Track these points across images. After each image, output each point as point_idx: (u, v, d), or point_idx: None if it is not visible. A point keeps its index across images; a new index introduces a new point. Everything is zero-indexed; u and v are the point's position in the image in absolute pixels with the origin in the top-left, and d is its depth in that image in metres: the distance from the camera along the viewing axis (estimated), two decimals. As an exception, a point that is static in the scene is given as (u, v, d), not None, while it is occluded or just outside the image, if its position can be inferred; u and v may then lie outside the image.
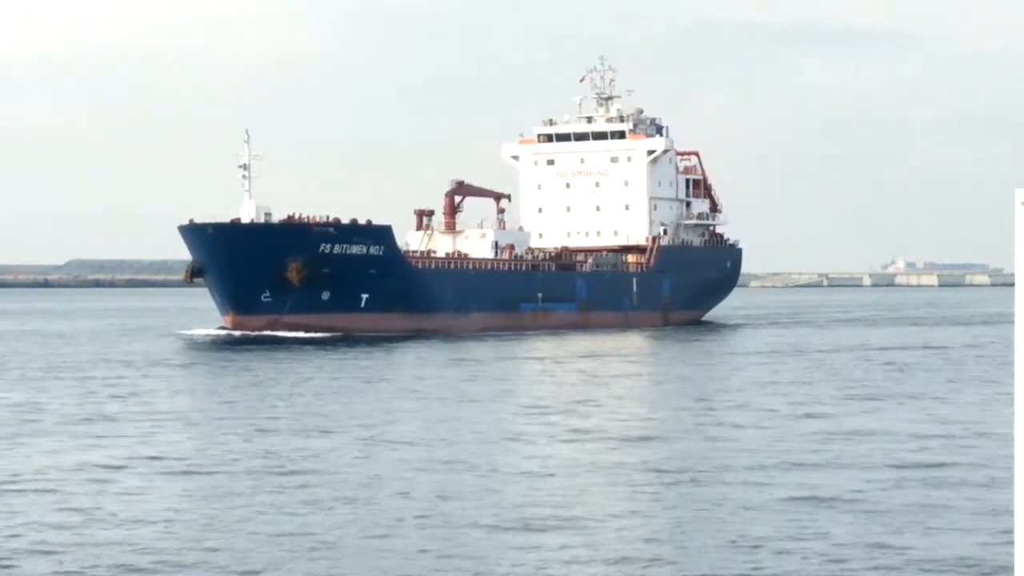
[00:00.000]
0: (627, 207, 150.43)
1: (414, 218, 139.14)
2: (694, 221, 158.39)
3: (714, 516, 32.62)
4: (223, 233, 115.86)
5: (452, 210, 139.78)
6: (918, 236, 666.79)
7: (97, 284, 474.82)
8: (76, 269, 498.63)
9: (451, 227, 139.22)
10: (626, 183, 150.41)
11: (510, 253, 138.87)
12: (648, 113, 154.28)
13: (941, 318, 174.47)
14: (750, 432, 48.82)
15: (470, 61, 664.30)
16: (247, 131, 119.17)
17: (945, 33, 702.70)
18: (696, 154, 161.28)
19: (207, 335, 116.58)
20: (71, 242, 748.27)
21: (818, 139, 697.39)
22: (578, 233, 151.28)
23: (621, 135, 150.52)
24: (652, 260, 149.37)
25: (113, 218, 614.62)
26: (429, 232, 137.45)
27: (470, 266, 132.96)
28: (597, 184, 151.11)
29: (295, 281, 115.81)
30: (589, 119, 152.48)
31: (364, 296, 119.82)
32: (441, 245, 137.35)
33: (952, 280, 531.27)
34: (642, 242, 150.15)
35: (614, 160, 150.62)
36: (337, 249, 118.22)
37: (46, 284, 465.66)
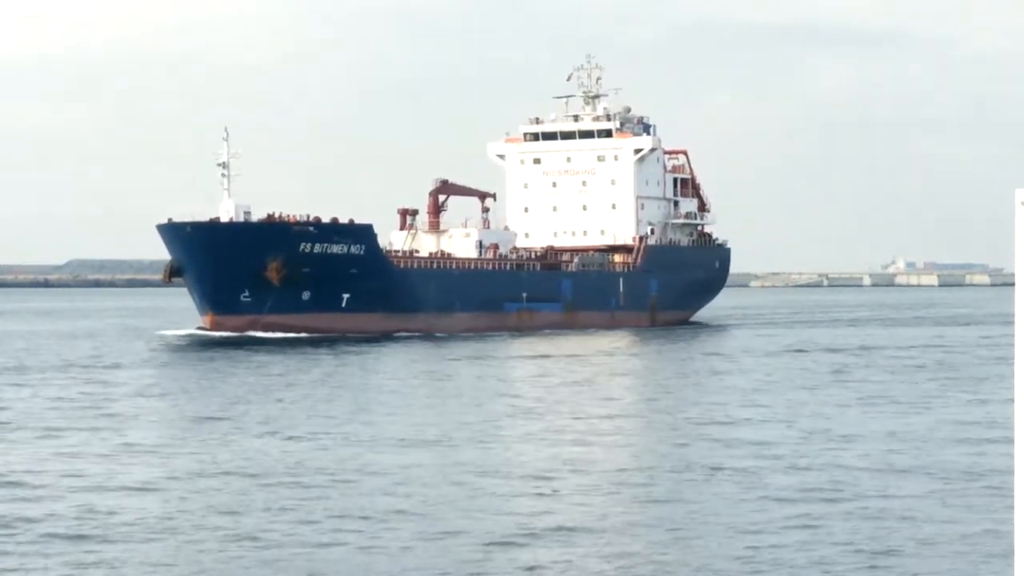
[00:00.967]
0: (614, 206, 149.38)
1: (398, 218, 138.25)
2: (682, 220, 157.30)
3: (694, 519, 32.26)
4: (201, 232, 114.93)
5: (436, 209, 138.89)
6: (918, 236, 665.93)
7: (97, 284, 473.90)
8: (76, 269, 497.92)
9: (435, 227, 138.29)
10: (613, 182, 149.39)
11: (494, 253, 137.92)
12: (637, 111, 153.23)
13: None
14: (739, 432, 48.08)
15: (470, 61, 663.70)
16: (226, 129, 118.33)
17: (945, 33, 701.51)
18: (684, 153, 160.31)
19: (183, 336, 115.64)
20: (71, 242, 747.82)
21: (818, 139, 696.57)
22: (565, 232, 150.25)
23: (608, 134, 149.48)
24: (639, 260, 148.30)
25: (113, 218, 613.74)
26: (413, 232, 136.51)
27: (453, 266, 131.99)
28: (584, 183, 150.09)
29: (275, 281, 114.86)
30: (576, 118, 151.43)
31: (345, 296, 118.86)
32: (425, 245, 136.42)
33: (952, 280, 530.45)
34: (629, 242, 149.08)
35: (601, 159, 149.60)
36: (317, 248, 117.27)
37: (46, 284, 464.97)
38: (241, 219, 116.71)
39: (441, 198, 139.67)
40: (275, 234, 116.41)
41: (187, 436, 47.98)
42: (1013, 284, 11.42)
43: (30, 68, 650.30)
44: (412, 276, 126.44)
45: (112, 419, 53.51)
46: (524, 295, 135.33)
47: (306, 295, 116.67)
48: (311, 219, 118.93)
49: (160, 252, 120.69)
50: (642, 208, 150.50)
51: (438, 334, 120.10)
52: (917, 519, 32.33)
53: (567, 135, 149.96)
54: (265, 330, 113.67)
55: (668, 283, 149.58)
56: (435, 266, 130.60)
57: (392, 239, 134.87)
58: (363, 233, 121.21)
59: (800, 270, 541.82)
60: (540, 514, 32.85)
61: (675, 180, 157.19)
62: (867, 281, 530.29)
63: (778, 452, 43.43)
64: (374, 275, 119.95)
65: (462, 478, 37.92)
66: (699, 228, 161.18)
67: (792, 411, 56.34)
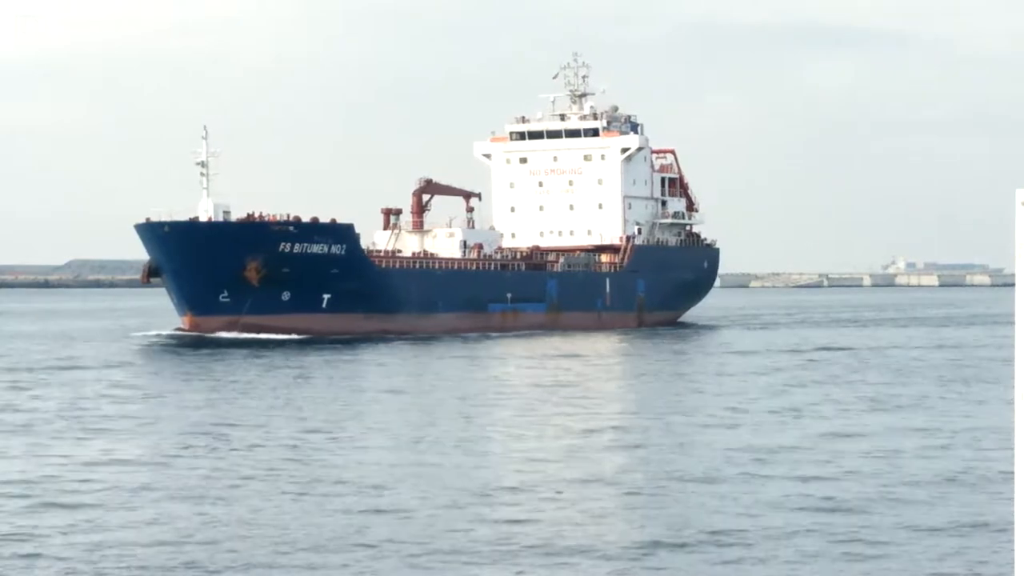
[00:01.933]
0: (601, 206, 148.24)
1: (382, 217, 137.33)
2: (670, 220, 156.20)
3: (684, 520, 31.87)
4: (179, 232, 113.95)
5: (420, 209, 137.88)
6: (918, 236, 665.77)
7: (97, 284, 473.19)
8: (76, 269, 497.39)
9: (419, 226, 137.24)
10: (600, 181, 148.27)
11: (479, 252, 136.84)
12: (629, 111, 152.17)
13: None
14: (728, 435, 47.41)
15: (456, 61, 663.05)
16: (205, 127, 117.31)
17: (946, 33, 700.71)
18: (672, 152, 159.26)
19: (159, 336, 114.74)
20: (71, 242, 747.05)
21: (818, 139, 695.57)
22: (551, 232, 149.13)
23: (595, 133, 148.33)
24: (626, 260, 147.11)
25: (113, 218, 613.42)
26: (396, 231, 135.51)
27: (436, 266, 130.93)
28: (570, 183, 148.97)
29: (254, 281, 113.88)
30: (562, 117, 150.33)
31: (326, 296, 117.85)
32: (409, 244, 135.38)
33: (952, 280, 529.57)
34: (616, 241, 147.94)
35: (587, 158, 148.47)
36: (297, 248, 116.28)
37: (46, 284, 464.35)
38: (220, 218, 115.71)
39: (425, 198, 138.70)
40: (254, 234, 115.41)
41: (128, 441, 47.04)
42: (1013, 284, 11.44)
43: (30, 68, 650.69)
44: (394, 276, 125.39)
45: (47, 424, 52.42)
46: (509, 295, 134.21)
47: (286, 295, 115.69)
48: (291, 218, 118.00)
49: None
50: (629, 208, 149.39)
51: (420, 335, 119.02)
52: (918, 518, 32.05)
53: (553, 134, 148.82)
54: (244, 331, 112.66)
55: (655, 283, 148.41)
56: (417, 266, 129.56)
57: (376, 239, 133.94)
58: (344, 233, 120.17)
59: (800, 271, 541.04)
60: (522, 521, 32.24)
61: (663, 179, 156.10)
62: (867, 281, 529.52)
63: (773, 454, 42.78)
64: (355, 275, 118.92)
65: (433, 487, 36.87)
66: (687, 228, 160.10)
67: (783, 412, 55.41)
